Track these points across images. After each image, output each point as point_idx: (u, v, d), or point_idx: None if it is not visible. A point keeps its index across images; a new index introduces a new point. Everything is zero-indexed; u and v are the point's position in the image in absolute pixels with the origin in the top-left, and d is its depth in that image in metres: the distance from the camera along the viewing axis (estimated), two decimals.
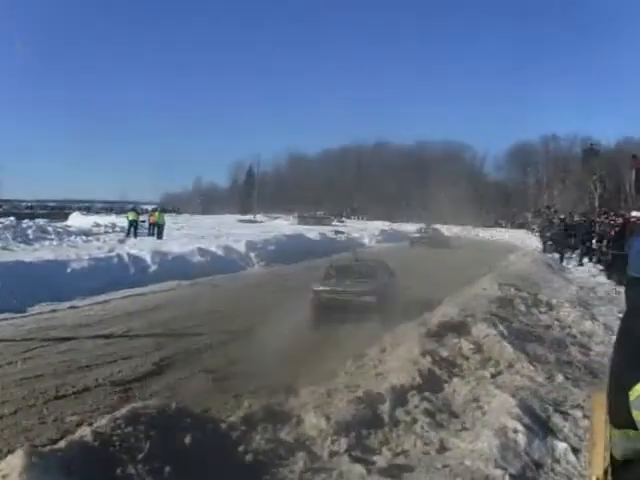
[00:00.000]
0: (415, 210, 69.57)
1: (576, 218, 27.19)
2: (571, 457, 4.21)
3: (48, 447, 3.41)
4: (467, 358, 6.62)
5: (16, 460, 2.99)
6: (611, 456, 1.43)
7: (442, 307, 9.86)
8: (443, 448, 4.32)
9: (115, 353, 8.28)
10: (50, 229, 28.51)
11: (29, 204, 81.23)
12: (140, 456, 3.40)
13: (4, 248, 20.10)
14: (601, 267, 18.78)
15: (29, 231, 26.27)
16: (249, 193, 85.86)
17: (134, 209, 32.92)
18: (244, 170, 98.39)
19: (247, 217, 62.69)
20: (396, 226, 55.61)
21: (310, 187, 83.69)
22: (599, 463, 1.72)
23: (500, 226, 62.21)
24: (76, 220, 43.74)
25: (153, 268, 16.44)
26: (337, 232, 40.98)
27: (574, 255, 23.02)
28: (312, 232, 34.36)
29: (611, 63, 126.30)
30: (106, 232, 32.69)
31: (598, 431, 1.81)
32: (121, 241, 25.53)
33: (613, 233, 17.66)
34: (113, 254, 17.09)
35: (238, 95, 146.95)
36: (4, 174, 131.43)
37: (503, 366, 6.41)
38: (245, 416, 4.55)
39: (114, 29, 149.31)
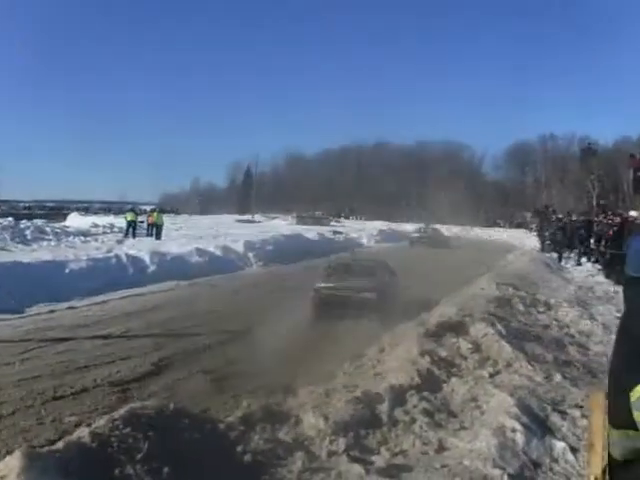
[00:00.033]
0: (414, 210, 69.57)
1: (574, 217, 27.19)
2: (569, 456, 4.21)
3: (46, 448, 3.40)
4: (465, 358, 6.63)
5: (14, 461, 2.98)
6: (609, 456, 1.43)
7: (440, 307, 9.87)
8: (442, 448, 4.32)
9: (113, 353, 8.27)
10: (48, 229, 28.46)
11: (27, 204, 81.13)
12: (138, 457, 3.40)
13: (2, 249, 20.07)
14: (599, 266, 18.80)
15: (27, 232, 26.22)
16: (247, 193, 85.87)
17: (132, 209, 32.89)
18: (242, 170, 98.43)
19: (245, 217, 62.67)
20: (394, 226, 55.60)
21: (308, 187, 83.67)
22: (597, 463, 1.72)
23: (498, 226, 62.28)
24: (74, 220, 43.69)
25: (151, 268, 16.43)
26: (335, 232, 41.01)
27: (572, 254, 23.05)
28: (310, 232, 34.37)
29: (609, 63, 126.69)
30: (104, 232, 32.66)
31: (596, 431, 1.81)
32: (119, 241, 25.51)
33: (611, 233, 17.67)
34: (111, 254, 17.07)
35: (237, 95, 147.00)
36: (3, 174, 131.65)
37: (501, 365, 6.41)
38: (243, 416, 4.54)
39: (114, 29, 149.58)
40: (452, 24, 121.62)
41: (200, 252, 19.40)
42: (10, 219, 30.51)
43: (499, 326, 7.77)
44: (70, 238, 26.77)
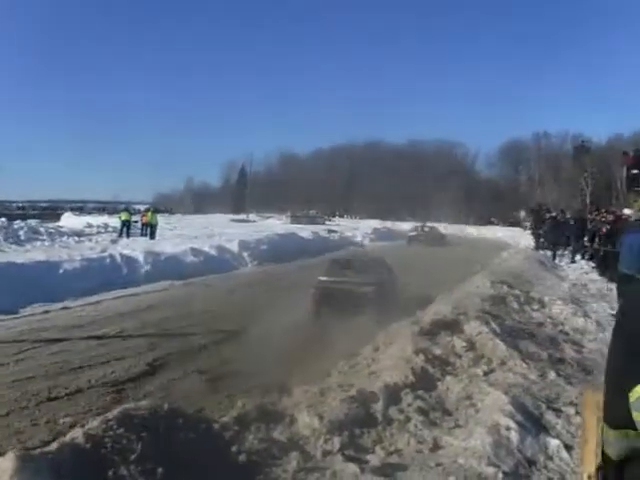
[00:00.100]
0: (408, 209, 69.71)
1: (568, 215, 27.26)
2: (564, 454, 4.22)
3: (39, 450, 3.38)
4: (460, 356, 6.63)
5: (6, 463, 2.96)
6: (603, 454, 1.43)
7: (435, 305, 9.88)
8: (436, 446, 4.32)
9: (108, 354, 8.25)
10: (42, 230, 28.38)
11: (21, 205, 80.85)
12: (132, 457, 3.38)
13: None
14: (593, 264, 18.85)
15: (21, 232, 26.14)
16: (241, 192, 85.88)
17: (127, 209, 32.85)
18: (236, 169, 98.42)
19: (240, 216, 62.64)
20: (389, 225, 55.66)
21: (303, 186, 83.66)
22: (591, 460, 1.73)
23: (492, 224, 62.36)
24: (68, 221, 43.54)
25: (146, 268, 16.39)
26: (330, 231, 41.06)
27: (566, 252, 23.11)
28: (305, 231, 34.35)
29: (602, 61, 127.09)
30: (98, 232, 32.60)
31: (590, 428, 1.82)
32: (114, 241, 25.45)
33: (605, 230, 17.72)
34: (106, 254, 17.01)
35: (235, 95, 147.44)
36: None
37: (496, 364, 6.42)
38: (238, 416, 4.53)
39: (114, 29, 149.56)
40: (451, 24, 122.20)
41: (194, 252, 19.37)
42: (3, 219, 30.37)
43: (493, 324, 7.78)
44: (64, 238, 26.72)
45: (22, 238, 24.90)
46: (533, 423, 4.66)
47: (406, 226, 50.48)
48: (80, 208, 76.58)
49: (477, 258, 22.77)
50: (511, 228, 51.80)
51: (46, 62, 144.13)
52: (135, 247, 20.14)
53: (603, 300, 11.53)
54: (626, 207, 18.02)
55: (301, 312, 10.45)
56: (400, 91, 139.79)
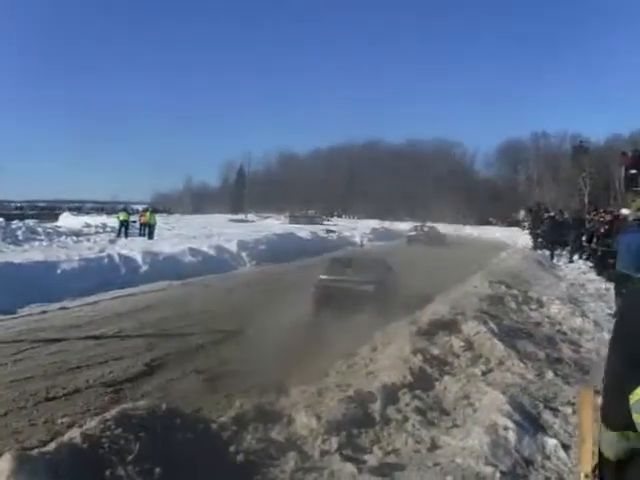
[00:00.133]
0: (406, 209, 69.73)
1: (566, 215, 27.28)
2: (561, 453, 4.23)
3: (36, 450, 3.38)
4: (458, 356, 6.64)
5: (3, 463, 2.96)
6: (600, 454, 1.44)
7: (433, 305, 9.89)
8: (434, 446, 4.33)
9: (106, 354, 8.24)
10: (40, 230, 28.39)
11: (19, 205, 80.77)
12: (130, 458, 3.38)
13: None
14: (591, 264, 18.87)
15: (19, 232, 26.15)
16: (240, 192, 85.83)
17: (125, 209, 32.79)
18: (235, 169, 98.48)
19: (238, 216, 62.66)
20: (387, 225, 55.68)
21: (301, 186, 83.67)
22: (588, 460, 1.73)
23: (491, 224, 62.40)
24: (66, 221, 43.54)
25: (144, 268, 16.38)
26: (328, 231, 41.11)
27: (564, 252, 23.13)
28: (303, 231, 34.36)
29: (601, 61, 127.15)
30: (97, 232, 32.61)
31: (586, 428, 1.82)
32: (112, 241, 25.47)
33: (603, 230, 17.73)
34: (104, 254, 17.01)
35: (234, 95, 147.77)
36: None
37: (494, 363, 6.43)
38: (236, 416, 4.53)
39: (114, 29, 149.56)
40: (452, 24, 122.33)
41: (193, 252, 19.36)
42: (1, 219, 30.45)
43: (491, 324, 7.79)
44: (62, 238, 26.72)
45: (20, 238, 24.89)
46: (531, 423, 4.67)
47: (404, 226, 50.58)
48: (78, 208, 76.57)
49: (475, 258, 22.78)
50: (509, 228, 51.82)
51: (46, 62, 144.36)
52: (133, 247, 20.15)
53: (601, 300, 11.54)
54: (624, 207, 18.03)
55: (299, 312, 10.45)
56: (399, 91, 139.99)
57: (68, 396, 6.50)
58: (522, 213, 55.59)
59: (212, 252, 20.33)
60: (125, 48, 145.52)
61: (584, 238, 21.15)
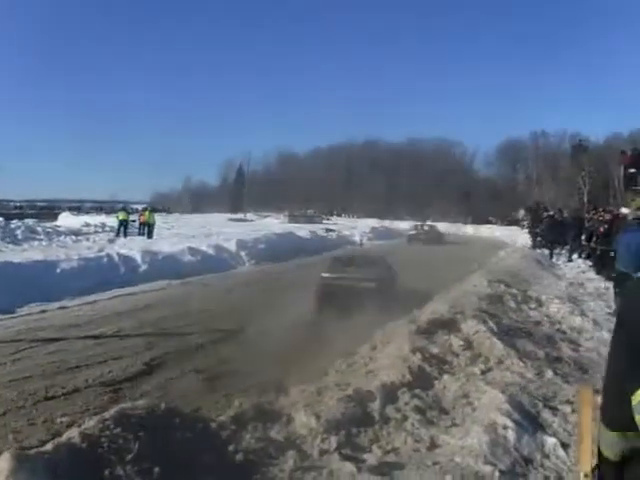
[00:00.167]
0: (406, 208, 69.77)
1: (565, 214, 27.28)
2: (560, 452, 4.23)
3: (35, 449, 3.37)
4: (457, 355, 6.63)
5: (2, 463, 2.95)
6: (600, 454, 1.43)
7: (432, 304, 9.89)
8: (433, 445, 4.32)
9: (105, 353, 8.23)
10: (39, 229, 28.40)
11: (18, 204, 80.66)
12: (129, 457, 3.38)
13: None
14: (590, 263, 18.87)
15: (18, 231, 26.14)
16: (239, 192, 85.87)
17: (124, 209, 32.78)
18: (234, 168, 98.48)
19: (237, 216, 62.66)
20: (387, 224, 55.70)
21: (300, 185, 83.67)
22: (587, 459, 1.73)
23: (490, 223, 62.42)
24: (66, 220, 43.56)
25: (143, 268, 16.38)
26: (328, 230, 41.13)
27: (564, 251, 23.13)
28: (302, 230, 34.37)
29: (601, 61, 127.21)
30: (96, 232, 32.60)
31: (585, 427, 1.82)
32: (111, 241, 25.46)
33: (602, 229, 17.74)
34: (103, 254, 17.01)
35: (234, 95, 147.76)
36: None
37: (493, 362, 6.42)
38: (235, 415, 4.53)
39: (114, 29, 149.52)
40: (452, 24, 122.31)
41: (192, 251, 19.36)
42: (0, 219, 30.39)
43: (491, 323, 7.79)
44: (61, 238, 26.73)
45: (19, 237, 24.89)
46: (530, 421, 4.66)
47: (404, 225, 50.72)
48: (78, 207, 76.51)
49: (475, 257, 22.78)
50: (509, 227, 51.88)
51: (46, 62, 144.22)
52: (132, 246, 20.14)
53: (600, 299, 11.53)
54: (623, 206, 18.05)
55: (298, 311, 10.45)
56: (399, 91, 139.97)
57: (67, 395, 6.49)
58: (522, 212, 55.62)
59: (211, 251, 20.33)
60: (125, 48, 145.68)
61: (583, 237, 21.18)
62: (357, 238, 37.01)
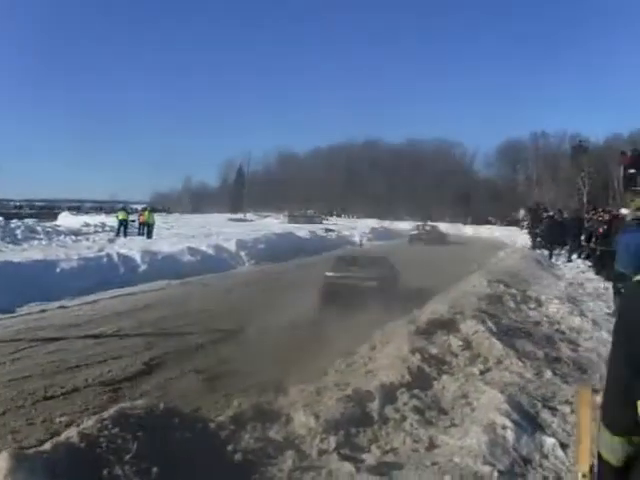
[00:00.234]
0: (406, 208, 69.76)
1: (565, 215, 27.28)
2: (559, 452, 4.22)
3: (33, 449, 3.37)
4: (456, 355, 6.63)
5: (1, 462, 2.95)
6: (599, 456, 1.43)
7: (431, 304, 9.89)
8: (432, 445, 4.32)
9: (105, 353, 8.23)
10: (39, 229, 28.40)
11: (18, 204, 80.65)
12: (127, 457, 3.37)
13: None
14: (590, 263, 18.87)
15: (18, 231, 26.14)
16: (239, 192, 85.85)
17: (124, 208, 32.79)
18: (234, 169, 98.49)
19: (237, 216, 62.65)
20: (387, 224, 55.67)
21: (300, 186, 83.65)
22: (585, 460, 1.73)
23: (490, 223, 62.42)
24: (65, 220, 43.56)
25: (143, 267, 16.38)
26: (327, 230, 41.14)
27: (563, 251, 23.12)
28: (302, 230, 34.38)
29: (601, 61, 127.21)
30: (96, 232, 32.61)
31: (584, 427, 1.82)
32: (111, 241, 25.47)
33: (601, 230, 17.74)
34: (103, 254, 17.02)
35: (234, 95, 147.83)
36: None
37: (492, 362, 6.42)
38: (234, 415, 4.53)
39: (114, 29, 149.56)
40: (452, 24, 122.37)
41: (192, 251, 19.37)
42: (0, 218, 30.37)
43: (490, 323, 7.79)
44: (61, 237, 26.74)
45: (19, 237, 24.89)
46: (529, 422, 4.66)
47: (404, 225, 50.75)
48: (77, 207, 76.50)
49: (474, 257, 22.78)
50: (508, 227, 51.87)
51: (46, 62, 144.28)
52: (132, 246, 20.15)
53: (599, 299, 11.53)
54: (623, 206, 18.05)
55: (298, 311, 10.45)
56: (399, 91, 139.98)
57: (66, 395, 6.49)
58: (521, 213, 55.60)
59: (211, 251, 20.34)
60: (125, 48, 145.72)
61: (583, 237, 21.17)
62: (357, 238, 37.00)
